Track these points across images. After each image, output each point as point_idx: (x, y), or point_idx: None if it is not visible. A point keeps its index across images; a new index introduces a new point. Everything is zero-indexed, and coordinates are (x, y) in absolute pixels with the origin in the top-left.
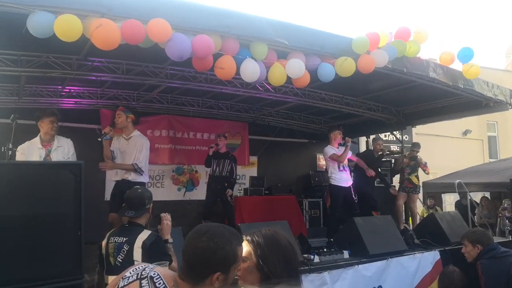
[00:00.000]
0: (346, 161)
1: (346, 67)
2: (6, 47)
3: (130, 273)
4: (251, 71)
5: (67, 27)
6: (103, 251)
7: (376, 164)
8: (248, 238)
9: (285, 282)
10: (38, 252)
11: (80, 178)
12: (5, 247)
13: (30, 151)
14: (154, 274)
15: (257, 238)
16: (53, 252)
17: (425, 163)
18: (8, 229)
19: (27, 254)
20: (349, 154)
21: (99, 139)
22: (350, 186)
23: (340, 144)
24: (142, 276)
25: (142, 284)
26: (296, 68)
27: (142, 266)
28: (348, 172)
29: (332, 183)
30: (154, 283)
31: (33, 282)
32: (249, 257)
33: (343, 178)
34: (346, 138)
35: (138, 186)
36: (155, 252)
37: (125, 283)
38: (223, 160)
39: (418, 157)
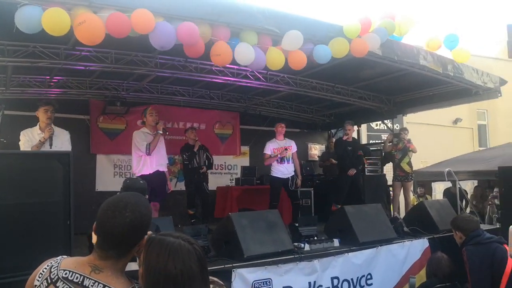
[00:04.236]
0: (288, 154)
1: (338, 46)
2: None
3: (38, 280)
4: (244, 54)
5: (55, 21)
6: (94, 240)
7: (353, 151)
8: None
9: None
10: (28, 240)
11: (68, 167)
12: None
13: (32, 137)
14: (64, 272)
15: None
16: (43, 241)
17: (409, 139)
18: None
19: (17, 243)
20: (293, 148)
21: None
22: (289, 177)
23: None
24: (53, 280)
25: (59, 287)
26: (293, 39)
27: (47, 267)
28: (288, 164)
29: (271, 174)
30: (70, 280)
31: (24, 271)
32: None
33: (281, 171)
34: (283, 149)
35: (139, 178)
36: None
37: None
38: (198, 151)
39: (401, 134)
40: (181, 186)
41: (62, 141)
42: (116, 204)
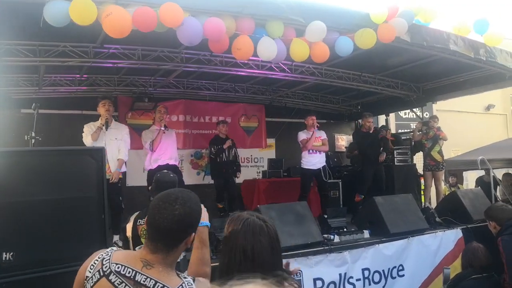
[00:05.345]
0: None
1: (366, 38)
2: (24, 38)
3: (90, 271)
4: (267, 48)
5: (81, 10)
6: (129, 233)
7: (374, 142)
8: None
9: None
10: (65, 235)
11: (101, 163)
12: (32, 231)
13: (94, 127)
14: (117, 266)
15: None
16: (79, 235)
17: (439, 127)
18: (35, 213)
19: (54, 237)
20: (323, 136)
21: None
22: (319, 168)
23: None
24: (105, 272)
25: (112, 280)
26: (316, 29)
27: (98, 259)
28: (319, 155)
29: (302, 166)
30: (123, 275)
31: (61, 264)
32: None
33: (312, 162)
34: (314, 123)
35: (168, 171)
36: None
37: (92, 284)
38: (228, 149)
39: (430, 122)
40: (209, 179)
41: (122, 134)
42: (167, 197)
